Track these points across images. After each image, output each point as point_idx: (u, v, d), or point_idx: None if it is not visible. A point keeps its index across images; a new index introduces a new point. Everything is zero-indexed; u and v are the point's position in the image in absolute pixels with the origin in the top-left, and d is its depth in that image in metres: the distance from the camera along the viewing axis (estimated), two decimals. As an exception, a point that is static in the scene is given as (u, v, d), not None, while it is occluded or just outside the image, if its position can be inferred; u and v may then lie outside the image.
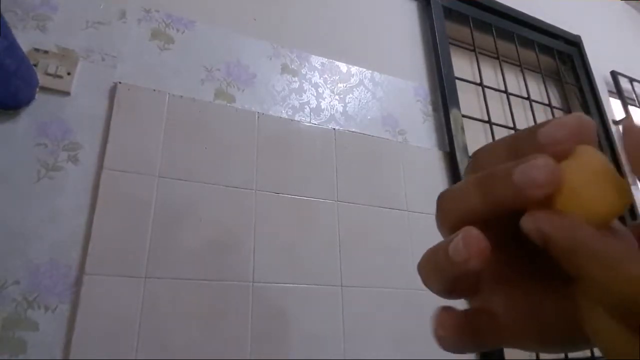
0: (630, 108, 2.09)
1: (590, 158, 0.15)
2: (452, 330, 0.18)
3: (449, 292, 0.18)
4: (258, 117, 1.16)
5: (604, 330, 0.14)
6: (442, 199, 0.18)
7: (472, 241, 0.15)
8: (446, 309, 0.18)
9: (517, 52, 1.88)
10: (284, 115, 1.22)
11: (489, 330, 0.18)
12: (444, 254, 0.16)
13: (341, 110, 1.32)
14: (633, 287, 0.12)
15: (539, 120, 1.79)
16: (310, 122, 1.25)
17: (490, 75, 1.84)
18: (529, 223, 0.15)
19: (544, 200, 0.14)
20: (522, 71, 1.86)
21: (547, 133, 0.15)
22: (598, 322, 0.14)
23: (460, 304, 0.19)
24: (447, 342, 0.18)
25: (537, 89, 1.95)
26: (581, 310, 0.15)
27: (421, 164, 1.38)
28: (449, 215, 0.18)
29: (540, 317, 0.17)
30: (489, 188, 0.16)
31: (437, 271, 0.17)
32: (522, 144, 0.16)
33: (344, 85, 1.37)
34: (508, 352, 1.23)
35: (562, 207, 0.15)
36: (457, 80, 1.58)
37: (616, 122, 2.02)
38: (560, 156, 0.15)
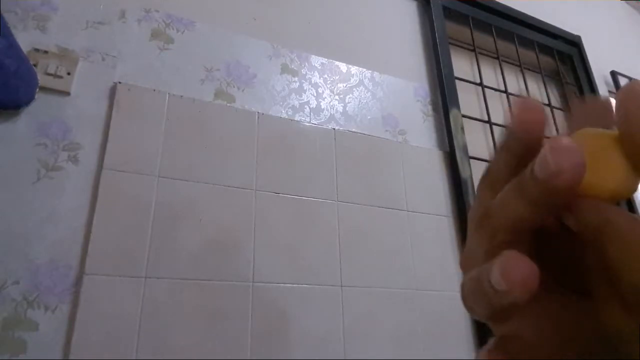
0: (630, 108, 2.09)
1: (595, 135, 0.15)
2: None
3: (496, 320, 0.16)
4: (258, 117, 1.16)
5: (628, 331, 0.13)
6: (485, 214, 0.17)
7: (512, 270, 0.13)
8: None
9: (517, 52, 1.88)
10: (284, 115, 1.22)
11: (522, 355, 0.17)
12: (488, 283, 0.14)
13: (341, 110, 1.33)
14: None
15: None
16: (310, 122, 1.25)
17: (490, 75, 1.84)
18: (567, 217, 0.14)
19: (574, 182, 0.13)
20: (522, 71, 1.86)
21: (544, 168, 0.14)
22: (622, 322, 0.13)
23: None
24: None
25: (537, 89, 1.95)
26: (606, 311, 0.14)
27: (421, 164, 1.38)
28: (497, 229, 0.16)
29: (565, 332, 0.16)
30: (526, 192, 0.14)
31: (483, 301, 0.15)
32: (524, 182, 0.15)
33: (344, 85, 1.37)
34: None
35: (585, 187, 0.14)
36: (457, 80, 1.58)
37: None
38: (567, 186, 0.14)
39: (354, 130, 1.31)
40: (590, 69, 2.04)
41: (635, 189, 0.14)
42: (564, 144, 0.13)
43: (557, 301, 0.17)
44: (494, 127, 1.63)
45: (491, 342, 0.17)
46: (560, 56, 2.06)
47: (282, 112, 1.22)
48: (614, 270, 0.13)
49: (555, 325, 0.16)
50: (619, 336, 0.14)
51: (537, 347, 0.16)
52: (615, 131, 0.15)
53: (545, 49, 2.01)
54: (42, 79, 0.93)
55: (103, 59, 1.03)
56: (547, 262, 0.17)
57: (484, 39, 1.83)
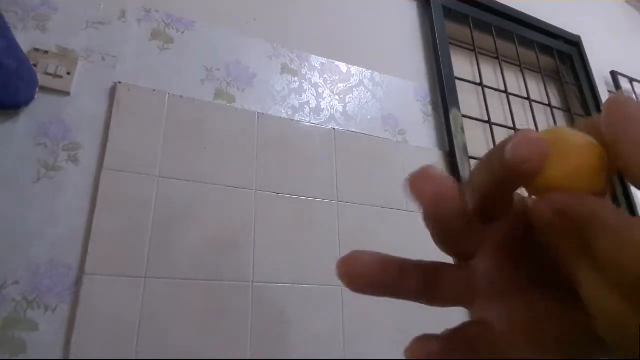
0: (630, 108, 2.08)
1: (567, 133, 0.15)
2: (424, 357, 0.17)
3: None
4: (258, 117, 1.16)
5: (610, 309, 0.13)
6: (470, 177, 0.18)
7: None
8: (419, 339, 0.17)
9: (517, 52, 1.88)
10: (284, 115, 1.22)
11: (484, 340, 0.17)
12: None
13: (341, 110, 1.33)
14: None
15: (538, 120, 1.80)
16: (310, 122, 1.25)
17: (490, 75, 1.84)
18: (542, 206, 0.15)
19: (537, 173, 0.14)
20: (522, 71, 1.86)
21: (512, 152, 0.14)
22: (605, 301, 0.13)
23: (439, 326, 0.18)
24: None
25: (537, 89, 1.95)
26: (588, 294, 0.14)
27: (421, 164, 1.36)
28: (474, 190, 0.17)
29: (539, 325, 0.17)
30: (493, 168, 0.15)
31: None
32: (493, 160, 0.16)
33: (344, 85, 1.37)
34: None
35: (554, 180, 0.15)
36: (457, 80, 1.58)
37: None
38: (532, 173, 0.15)
39: (354, 130, 1.31)
40: (590, 69, 2.04)
41: (602, 189, 0.15)
42: (532, 136, 0.14)
43: (531, 295, 0.17)
44: (494, 127, 1.63)
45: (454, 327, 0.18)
46: (560, 56, 2.06)
47: (282, 112, 1.22)
48: (601, 259, 0.13)
49: (527, 316, 0.17)
50: (604, 320, 0.14)
51: (504, 334, 0.17)
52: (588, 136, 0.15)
53: (545, 49, 2.01)
54: (42, 79, 0.93)
55: (103, 59, 1.03)
56: (524, 259, 0.18)
57: (484, 39, 1.83)
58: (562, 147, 0.15)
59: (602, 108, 0.15)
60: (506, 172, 0.15)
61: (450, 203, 0.16)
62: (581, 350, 0.16)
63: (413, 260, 0.18)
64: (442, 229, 0.17)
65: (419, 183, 0.16)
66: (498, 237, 0.18)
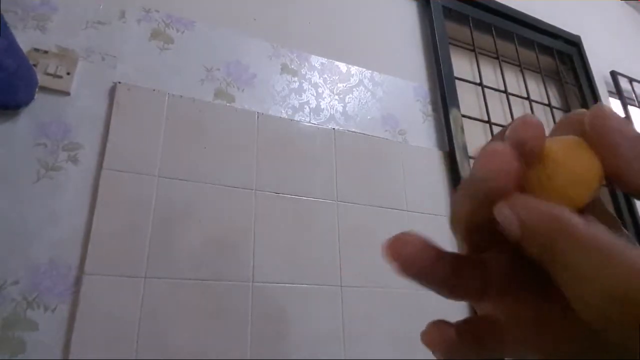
0: (630, 108, 2.09)
1: (562, 140, 0.15)
2: (441, 346, 0.17)
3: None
4: (258, 117, 1.16)
5: (591, 312, 0.13)
6: (451, 213, 0.18)
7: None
8: (436, 324, 0.17)
9: (517, 52, 1.88)
10: (284, 115, 1.22)
11: (491, 337, 0.17)
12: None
13: (341, 110, 1.33)
14: (625, 281, 0.12)
15: (538, 120, 1.79)
16: (310, 122, 1.25)
17: (490, 75, 1.84)
18: (502, 210, 0.14)
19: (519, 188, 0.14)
20: (521, 71, 1.86)
21: (511, 133, 0.15)
22: (585, 304, 0.13)
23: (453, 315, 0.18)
24: (440, 355, 0.17)
25: (536, 89, 1.95)
26: (569, 295, 0.14)
27: (421, 164, 1.38)
28: (457, 225, 0.17)
29: (544, 325, 0.16)
30: (469, 190, 0.16)
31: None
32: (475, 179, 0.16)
33: (344, 85, 1.37)
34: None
35: (541, 193, 0.15)
36: (457, 80, 1.58)
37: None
38: (532, 155, 0.15)
39: (353, 130, 1.31)
40: (590, 69, 2.04)
41: (591, 195, 0.15)
42: (496, 150, 0.14)
43: (539, 295, 0.17)
44: (494, 127, 1.63)
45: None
46: (560, 56, 2.06)
47: (282, 112, 1.22)
48: (570, 270, 0.13)
49: (533, 315, 0.17)
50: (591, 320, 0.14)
51: (509, 329, 0.17)
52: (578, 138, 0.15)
53: (545, 49, 2.01)
54: (42, 79, 0.93)
55: (103, 59, 1.03)
56: (524, 262, 0.17)
57: (484, 39, 1.83)
58: (565, 158, 0.15)
59: (585, 121, 0.15)
60: (478, 188, 0.14)
61: (421, 262, 0.17)
62: (584, 351, 0.16)
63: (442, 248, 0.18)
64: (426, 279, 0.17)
65: (391, 248, 0.17)
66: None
